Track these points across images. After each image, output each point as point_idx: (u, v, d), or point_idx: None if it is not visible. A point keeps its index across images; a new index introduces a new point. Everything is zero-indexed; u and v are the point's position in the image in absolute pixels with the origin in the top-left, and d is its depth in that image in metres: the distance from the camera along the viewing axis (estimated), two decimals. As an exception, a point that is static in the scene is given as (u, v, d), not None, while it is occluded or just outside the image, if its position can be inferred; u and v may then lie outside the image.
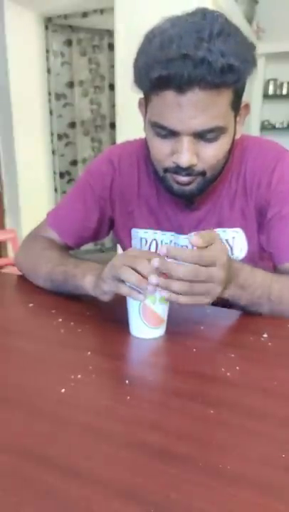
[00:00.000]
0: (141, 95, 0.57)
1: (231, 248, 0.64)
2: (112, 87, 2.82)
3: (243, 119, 0.58)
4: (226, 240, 0.64)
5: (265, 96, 3.67)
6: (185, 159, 0.51)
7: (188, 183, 0.56)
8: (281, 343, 0.50)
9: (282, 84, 3.63)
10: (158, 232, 0.67)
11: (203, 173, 0.55)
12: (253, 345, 0.49)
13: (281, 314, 0.55)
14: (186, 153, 0.51)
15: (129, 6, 1.97)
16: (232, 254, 0.64)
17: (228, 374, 0.42)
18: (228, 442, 0.33)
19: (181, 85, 0.46)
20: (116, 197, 0.69)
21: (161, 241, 0.68)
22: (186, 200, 0.61)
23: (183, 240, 0.66)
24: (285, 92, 3.63)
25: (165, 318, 0.50)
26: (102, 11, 2.43)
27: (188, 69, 0.44)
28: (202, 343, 0.49)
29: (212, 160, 0.53)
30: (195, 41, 0.44)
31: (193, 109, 0.48)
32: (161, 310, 0.49)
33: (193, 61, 0.44)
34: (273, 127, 3.72)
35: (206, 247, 0.44)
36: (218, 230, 0.64)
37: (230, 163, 0.62)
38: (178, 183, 0.56)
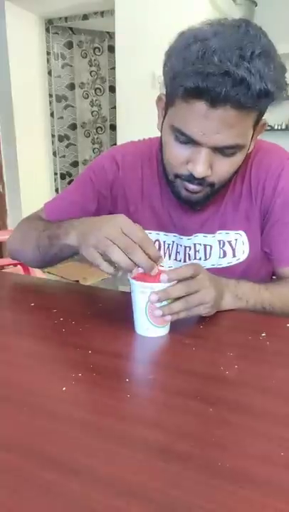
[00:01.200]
0: (162, 91, 0.55)
1: (233, 250, 0.65)
2: (112, 88, 2.83)
3: (257, 136, 0.58)
4: (229, 242, 0.65)
5: (265, 97, 3.68)
6: (200, 170, 0.52)
7: (196, 192, 0.57)
8: (279, 342, 0.50)
9: (281, 86, 3.64)
10: (161, 233, 0.68)
11: (212, 185, 0.56)
12: (251, 345, 0.49)
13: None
14: (203, 165, 0.51)
15: (130, 8, 1.98)
16: (234, 256, 0.65)
17: (227, 373, 0.43)
18: (228, 440, 0.33)
19: (215, 100, 0.46)
20: (118, 194, 0.69)
21: (164, 242, 0.68)
22: (193, 207, 0.62)
23: (186, 240, 0.67)
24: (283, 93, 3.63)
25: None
26: (102, 14, 2.44)
27: (227, 86, 0.44)
28: (201, 342, 0.49)
29: (225, 174, 0.55)
30: (237, 59, 0.44)
31: (220, 124, 0.48)
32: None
33: (232, 79, 0.44)
34: (272, 128, 3.73)
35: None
36: (221, 232, 0.64)
37: None
38: (187, 190, 0.57)
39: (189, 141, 0.52)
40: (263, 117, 0.54)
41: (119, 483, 0.29)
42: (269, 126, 4.07)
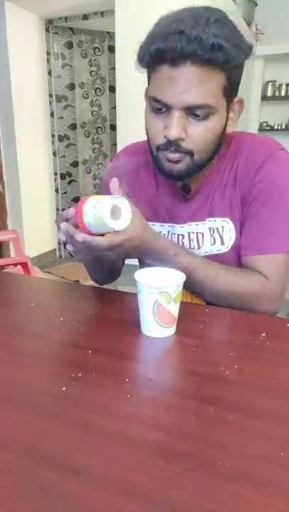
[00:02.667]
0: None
1: (221, 237, 0.66)
2: (112, 88, 2.83)
3: (237, 116, 0.60)
4: (216, 229, 0.66)
5: (264, 97, 3.68)
6: (174, 132, 0.54)
7: (177, 162, 0.58)
8: (279, 341, 0.50)
9: (280, 86, 3.65)
10: (156, 223, 0.70)
11: (190, 153, 0.57)
12: (251, 344, 0.49)
13: (218, 297, 0.60)
14: (176, 127, 0.54)
15: (130, 8, 1.98)
16: (222, 243, 0.66)
17: (227, 372, 0.43)
18: (228, 440, 0.34)
19: (175, 59, 0.50)
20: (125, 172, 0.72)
21: (160, 232, 0.70)
22: (177, 179, 0.63)
23: (179, 229, 0.69)
24: (283, 93, 3.64)
25: (177, 316, 0.51)
26: (102, 14, 2.44)
27: (182, 43, 0.49)
28: (201, 342, 0.49)
29: (199, 139, 0.56)
30: (192, 23, 0.50)
31: (185, 83, 0.52)
32: (175, 309, 0.50)
33: (187, 37, 0.49)
34: (272, 128, 3.73)
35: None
36: (210, 220, 0.66)
37: (225, 156, 0.64)
38: (168, 160, 0.58)
39: (162, 106, 0.55)
40: (239, 94, 0.58)
41: (119, 483, 0.29)
42: (269, 126, 4.09)
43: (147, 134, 0.61)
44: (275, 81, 3.65)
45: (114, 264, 0.72)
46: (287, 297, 0.66)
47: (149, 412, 0.37)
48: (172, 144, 0.56)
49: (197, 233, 0.67)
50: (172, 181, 0.67)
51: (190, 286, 0.60)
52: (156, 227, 0.70)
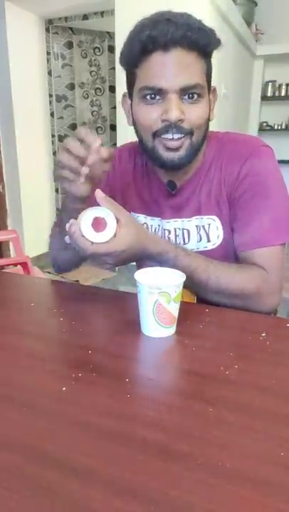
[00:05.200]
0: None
1: (208, 235, 0.67)
2: (112, 88, 2.83)
3: (213, 105, 0.64)
4: (202, 227, 0.67)
5: (264, 97, 3.69)
6: (175, 113, 0.56)
7: (177, 149, 0.59)
8: (280, 342, 0.50)
9: (280, 86, 3.65)
10: (148, 217, 0.72)
11: (191, 133, 0.59)
12: (251, 344, 0.49)
13: (221, 293, 0.60)
14: (176, 109, 0.56)
15: (129, 8, 1.98)
16: (208, 240, 0.67)
17: (227, 372, 0.43)
18: (228, 440, 0.33)
19: (166, 43, 0.53)
20: (115, 183, 0.74)
21: (151, 225, 0.72)
22: (177, 168, 0.63)
23: (166, 224, 0.70)
24: (283, 93, 3.64)
25: (177, 316, 0.51)
26: (102, 14, 2.44)
27: (172, 29, 0.53)
28: (201, 342, 0.49)
29: (197, 119, 0.58)
30: (176, 14, 0.56)
31: (177, 66, 0.55)
32: (175, 309, 0.50)
33: (175, 24, 0.53)
34: (272, 128, 3.73)
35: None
36: (197, 218, 0.67)
37: (210, 155, 0.66)
38: (168, 148, 0.59)
39: (156, 93, 0.57)
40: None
41: (119, 483, 0.29)
42: (269, 126, 4.09)
43: (139, 127, 0.61)
44: (275, 81, 3.66)
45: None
46: (287, 297, 0.66)
47: (149, 412, 0.37)
48: (173, 126, 0.57)
49: (183, 229, 0.69)
50: (158, 177, 0.69)
51: (192, 286, 0.60)
52: (148, 220, 0.72)
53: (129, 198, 0.73)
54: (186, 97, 0.56)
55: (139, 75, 0.58)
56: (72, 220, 0.52)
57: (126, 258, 0.55)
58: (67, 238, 0.53)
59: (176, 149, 0.59)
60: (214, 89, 0.63)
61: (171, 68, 0.55)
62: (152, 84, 0.56)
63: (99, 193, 0.52)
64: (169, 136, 0.58)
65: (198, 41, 0.54)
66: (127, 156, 0.74)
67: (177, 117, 0.56)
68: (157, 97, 0.57)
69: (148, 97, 0.57)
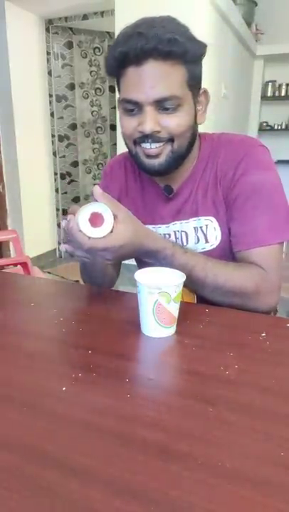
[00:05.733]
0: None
1: (205, 236, 0.67)
2: (112, 88, 2.83)
3: (204, 107, 0.64)
4: (200, 228, 0.67)
5: (264, 97, 3.69)
6: (148, 126, 0.57)
7: (157, 155, 0.60)
8: (279, 341, 0.50)
9: (280, 86, 3.65)
10: (147, 226, 0.72)
11: (171, 140, 0.60)
12: (251, 344, 0.49)
13: (219, 291, 0.60)
14: (149, 121, 0.57)
15: (129, 8, 1.98)
16: (206, 242, 0.67)
17: (227, 372, 0.43)
18: (228, 440, 0.33)
19: (138, 58, 0.54)
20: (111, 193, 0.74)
21: None
22: (159, 174, 0.65)
23: (165, 228, 0.70)
24: (283, 93, 3.64)
25: (177, 316, 0.51)
26: (102, 14, 2.44)
27: (142, 42, 0.54)
28: (201, 342, 0.49)
29: (175, 128, 0.59)
30: (148, 26, 0.55)
31: (150, 79, 0.56)
32: (175, 309, 0.50)
33: (145, 37, 0.54)
34: (272, 128, 3.73)
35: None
36: (195, 219, 0.68)
37: (205, 156, 0.66)
38: (148, 156, 0.61)
39: (134, 106, 0.58)
40: (203, 86, 0.62)
41: (119, 483, 0.29)
42: (269, 126, 4.09)
43: (123, 135, 0.63)
44: (275, 81, 3.66)
45: (105, 270, 0.71)
46: (287, 297, 0.66)
47: (149, 412, 0.37)
48: (149, 137, 0.58)
49: (182, 231, 0.69)
50: (155, 182, 0.69)
51: (190, 284, 0.60)
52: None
53: (125, 206, 0.74)
54: (162, 108, 0.57)
55: (120, 87, 0.60)
56: (70, 216, 0.52)
57: (124, 254, 0.55)
58: (62, 247, 0.54)
59: (156, 156, 0.60)
60: (205, 92, 0.63)
61: (144, 81, 0.56)
62: (129, 98, 0.58)
63: (96, 189, 0.52)
64: (147, 145, 0.60)
65: (171, 52, 0.54)
66: (118, 168, 0.75)
67: (151, 129, 0.57)
68: (135, 109, 0.58)
69: (128, 109, 0.59)
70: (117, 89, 0.63)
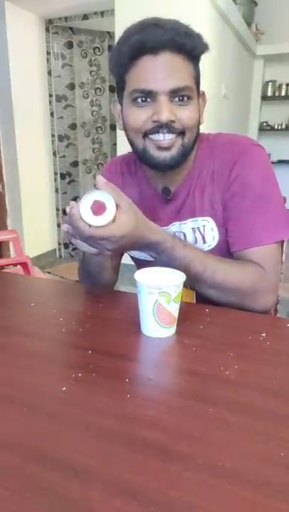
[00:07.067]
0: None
1: (203, 236, 0.67)
2: (112, 88, 2.83)
3: (202, 108, 0.65)
4: (198, 228, 0.67)
5: (264, 97, 3.69)
6: (165, 115, 0.57)
7: (169, 148, 0.60)
8: (280, 342, 0.50)
9: (280, 86, 3.65)
10: None
11: (182, 133, 0.59)
12: (252, 345, 0.49)
13: (219, 288, 0.60)
14: (166, 110, 0.57)
15: (129, 8, 1.98)
16: (204, 242, 0.67)
17: (227, 373, 0.43)
18: (228, 440, 0.33)
19: (155, 47, 0.55)
20: None
21: None
22: (168, 168, 0.64)
23: (165, 230, 0.69)
24: (283, 93, 3.64)
25: (177, 316, 0.51)
26: (102, 14, 2.44)
27: (160, 33, 0.55)
28: (201, 342, 0.49)
29: (188, 120, 0.59)
30: (164, 20, 0.57)
31: (166, 69, 0.56)
32: (175, 309, 0.50)
33: (162, 28, 0.55)
34: (272, 128, 3.73)
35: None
36: (192, 220, 0.68)
37: (201, 156, 0.66)
38: (159, 148, 0.60)
39: (147, 96, 0.57)
40: (201, 88, 0.63)
41: (118, 484, 0.29)
42: (269, 126, 4.09)
43: (129, 130, 0.62)
44: (275, 81, 3.66)
45: (103, 264, 0.70)
46: (287, 297, 0.66)
47: (149, 412, 0.37)
48: (164, 126, 0.58)
49: (180, 232, 0.69)
50: (152, 185, 0.69)
51: (188, 279, 0.60)
52: None
53: None
54: (176, 99, 0.57)
55: (128, 80, 0.59)
56: (72, 202, 0.51)
57: (124, 245, 0.53)
58: (64, 227, 0.53)
59: (168, 148, 0.59)
60: (203, 94, 0.64)
61: (160, 71, 0.56)
62: (142, 87, 0.57)
63: (100, 179, 0.51)
64: (160, 137, 0.59)
65: (185, 45, 0.56)
66: (114, 172, 0.75)
67: (168, 118, 0.57)
68: (148, 100, 0.58)
69: (139, 99, 0.58)
70: (117, 85, 0.62)
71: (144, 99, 0.58)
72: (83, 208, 0.49)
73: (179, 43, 0.55)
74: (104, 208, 0.50)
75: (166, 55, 0.56)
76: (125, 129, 0.63)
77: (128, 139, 0.64)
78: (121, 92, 0.62)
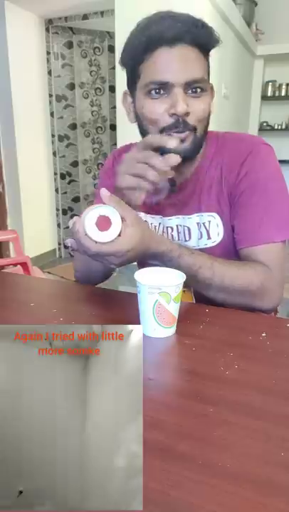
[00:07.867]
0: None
1: (208, 232, 0.67)
2: (112, 88, 2.83)
3: (211, 101, 0.65)
4: (203, 224, 0.67)
5: (264, 97, 3.69)
6: (181, 107, 0.56)
7: (183, 140, 0.60)
8: (280, 342, 0.50)
9: (280, 86, 3.65)
10: (148, 216, 0.72)
11: (194, 129, 0.60)
12: (251, 344, 0.49)
13: (225, 291, 0.60)
14: (182, 102, 0.56)
15: (129, 8, 1.98)
16: (209, 238, 0.67)
17: (227, 373, 0.43)
18: (228, 440, 0.33)
19: (172, 39, 0.55)
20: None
21: (151, 223, 0.73)
22: (183, 160, 0.62)
23: (167, 221, 0.70)
24: (283, 93, 3.64)
25: (177, 316, 0.51)
26: (102, 13, 2.44)
27: (178, 25, 0.55)
28: (201, 342, 0.49)
29: (201, 114, 0.59)
30: (178, 13, 0.58)
31: (183, 60, 0.56)
32: (175, 309, 0.50)
33: (179, 20, 0.56)
34: (272, 128, 3.73)
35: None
36: (198, 215, 0.68)
37: (210, 154, 0.66)
38: None
39: (162, 88, 0.57)
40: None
41: (119, 484, 0.29)
42: (269, 126, 4.09)
43: (145, 121, 0.60)
44: (275, 81, 3.66)
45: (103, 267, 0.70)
46: (287, 297, 0.66)
47: (149, 413, 0.37)
48: (180, 122, 0.57)
49: (184, 226, 0.69)
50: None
51: (197, 286, 0.60)
52: (148, 218, 0.72)
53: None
54: (190, 91, 0.57)
55: (143, 71, 0.59)
56: (76, 218, 0.51)
57: (130, 258, 0.53)
58: (68, 241, 0.53)
59: (182, 141, 0.59)
60: (212, 87, 0.64)
61: (176, 63, 0.56)
62: (158, 79, 0.57)
63: (104, 192, 0.50)
64: (175, 133, 0.58)
65: (201, 38, 0.56)
66: (117, 163, 0.73)
67: (184, 110, 0.56)
68: (162, 92, 0.57)
69: (153, 91, 0.58)
70: (129, 78, 0.62)
71: (158, 91, 0.57)
72: (88, 224, 0.48)
73: (195, 36, 0.56)
74: (110, 223, 0.48)
75: (182, 46, 0.56)
76: (139, 120, 0.63)
77: (141, 130, 0.63)
78: (133, 84, 0.61)
